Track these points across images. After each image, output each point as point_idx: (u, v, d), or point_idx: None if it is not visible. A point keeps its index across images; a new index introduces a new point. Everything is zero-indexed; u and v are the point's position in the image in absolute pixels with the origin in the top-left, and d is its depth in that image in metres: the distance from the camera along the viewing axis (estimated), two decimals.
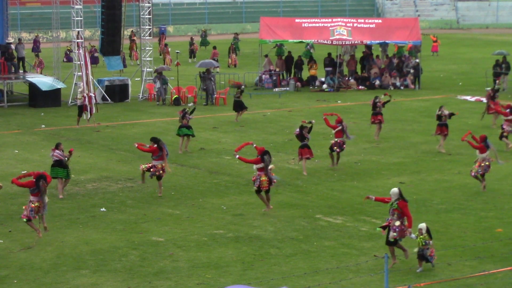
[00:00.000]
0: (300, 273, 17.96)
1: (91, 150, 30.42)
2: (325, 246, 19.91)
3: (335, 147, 27.39)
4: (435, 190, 24.93)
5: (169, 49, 56.64)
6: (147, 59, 43.72)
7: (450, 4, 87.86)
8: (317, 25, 46.48)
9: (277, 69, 47.84)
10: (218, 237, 20.57)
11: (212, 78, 41.33)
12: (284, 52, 50.63)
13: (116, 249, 19.69)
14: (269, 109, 39.35)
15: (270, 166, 22.38)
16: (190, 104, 32.06)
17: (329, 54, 47.76)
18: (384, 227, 18.61)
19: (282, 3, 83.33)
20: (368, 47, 48.40)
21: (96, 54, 53.29)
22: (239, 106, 36.20)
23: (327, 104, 40.79)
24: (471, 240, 20.24)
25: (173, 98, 40.84)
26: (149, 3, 44.13)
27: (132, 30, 62.96)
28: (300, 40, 46.82)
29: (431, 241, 18.06)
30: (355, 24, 46.22)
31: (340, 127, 27.52)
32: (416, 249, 18.13)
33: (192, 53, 59.48)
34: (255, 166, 22.53)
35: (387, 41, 47.95)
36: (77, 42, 40.25)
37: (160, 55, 59.61)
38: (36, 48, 58.63)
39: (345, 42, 45.90)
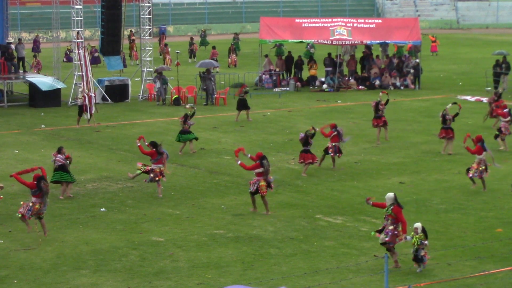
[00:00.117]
0: (300, 273, 17.96)
1: (91, 150, 30.41)
2: (325, 246, 19.91)
3: (330, 150, 27.34)
4: (435, 190, 24.92)
5: (169, 49, 56.59)
6: (147, 59, 43.69)
7: (450, 4, 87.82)
8: (317, 25, 46.44)
9: (277, 69, 47.80)
10: (218, 237, 20.57)
11: (212, 78, 41.32)
12: (284, 52, 50.63)
13: (116, 249, 19.69)
14: (269, 109, 39.32)
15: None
16: (187, 106, 31.87)
17: (329, 54, 47.71)
18: (379, 231, 18.57)
19: (282, 3, 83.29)
20: (368, 47, 48.37)
21: (96, 54, 53.31)
22: (242, 105, 36.16)
23: (327, 104, 40.76)
24: (471, 240, 20.24)
25: (173, 98, 40.83)
26: (149, 3, 44.11)
27: (131, 30, 62.94)
28: (300, 40, 46.81)
29: (426, 241, 18.00)
30: (355, 24, 46.18)
31: (335, 133, 27.42)
32: (411, 250, 18.08)
33: (192, 53, 59.46)
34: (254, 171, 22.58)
35: (387, 41, 47.92)
36: (77, 42, 40.23)
37: (160, 55, 59.54)
38: (36, 48, 58.61)
39: (345, 42, 45.87)
